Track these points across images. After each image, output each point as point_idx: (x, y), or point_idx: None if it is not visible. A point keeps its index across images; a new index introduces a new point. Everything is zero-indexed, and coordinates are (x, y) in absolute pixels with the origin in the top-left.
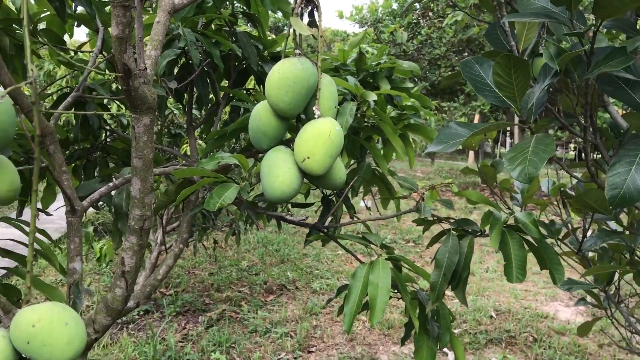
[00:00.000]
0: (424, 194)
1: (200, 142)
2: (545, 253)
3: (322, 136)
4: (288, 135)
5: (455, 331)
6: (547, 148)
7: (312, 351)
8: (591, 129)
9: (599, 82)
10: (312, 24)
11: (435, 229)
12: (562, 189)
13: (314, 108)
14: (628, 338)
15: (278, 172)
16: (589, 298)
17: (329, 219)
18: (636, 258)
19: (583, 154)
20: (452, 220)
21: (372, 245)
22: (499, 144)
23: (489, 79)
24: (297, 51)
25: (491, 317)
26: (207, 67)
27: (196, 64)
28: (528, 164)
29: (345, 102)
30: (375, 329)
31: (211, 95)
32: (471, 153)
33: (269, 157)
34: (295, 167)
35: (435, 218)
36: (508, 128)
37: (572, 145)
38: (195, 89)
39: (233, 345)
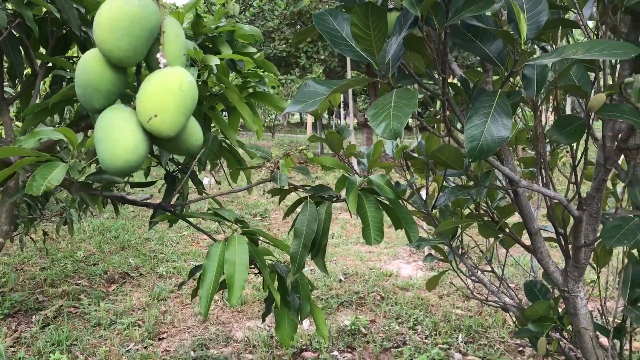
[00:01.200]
0: (278, 162)
1: (17, 123)
2: (400, 213)
3: (170, 89)
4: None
5: None
6: (409, 102)
7: (164, 338)
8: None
9: (450, 35)
10: None
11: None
12: (404, 150)
13: (158, 55)
14: (468, 286)
15: (118, 135)
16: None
17: (175, 197)
18: (481, 210)
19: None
20: (308, 188)
21: (226, 222)
22: (334, 115)
23: (345, 32)
24: None
25: (340, 280)
26: (17, 31)
27: (3, 27)
28: (392, 119)
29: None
30: (228, 306)
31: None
32: (309, 125)
33: (105, 118)
34: (140, 128)
35: (291, 187)
36: (342, 99)
37: None
38: (5, 58)
39: (75, 342)
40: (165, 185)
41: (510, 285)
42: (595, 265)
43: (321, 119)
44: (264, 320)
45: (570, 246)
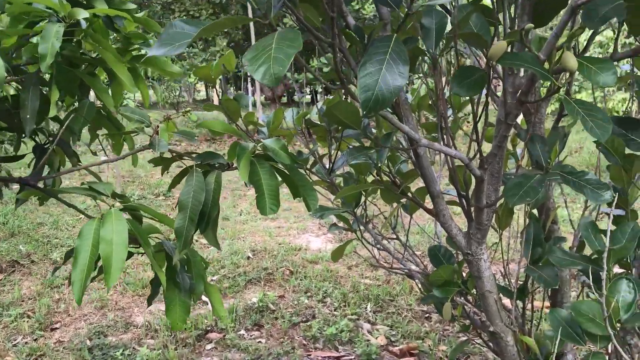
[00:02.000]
0: (158, 126)
1: None
2: (298, 180)
3: None
4: None
5: (214, 277)
6: (293, 43)
7: (57, 328)
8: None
9: None
10: None
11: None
12: (306, 117)
13: None
14: (375, 256)
15: None
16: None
17: (47, 171)
18: (383, 175)
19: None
20: (194, 155)
21: (103, 197)
22: (241, 91)
23: None
24: None
25: (248, 257)
26: None
27: None
28: (273, 62)
29: (49, 23)
30: (129, 290)
31: None
32: (215, 101)
33: None
34: None
35: (174, 154)
36: (249, 75)
37: (307, 89)
38: None
39: None
40: (34, 158)
41: (416, 252)
42: (497, 227)
43: (228, 93)
44: (149, 304)
45: (472, 208)
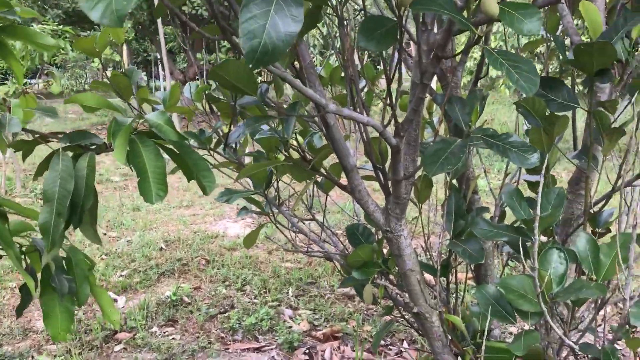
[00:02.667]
0: (9, 102)
1: None
2: (190, 159)
3: None
4: None
5: (124, 272)
6: None
7: None
8: None
9: None
10: None
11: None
12: (206, 92)
13: None
14: (292, 239)
15: None
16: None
17: None
18: (291, 151)
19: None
20: (61, 136)
21: None
22: (153, 77)
23: None
24: None
25: (161, 249)
26: None
27: None
28: None
29: None
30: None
31: None
32: None
33: None
34: None
35: (36, 136)
36: (159, 56)
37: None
38: None
39: None
40: None
41: (337, 232)
42: (416, 201)
43: (140, 80)
44: (19, 315)
45: (390, 182)
